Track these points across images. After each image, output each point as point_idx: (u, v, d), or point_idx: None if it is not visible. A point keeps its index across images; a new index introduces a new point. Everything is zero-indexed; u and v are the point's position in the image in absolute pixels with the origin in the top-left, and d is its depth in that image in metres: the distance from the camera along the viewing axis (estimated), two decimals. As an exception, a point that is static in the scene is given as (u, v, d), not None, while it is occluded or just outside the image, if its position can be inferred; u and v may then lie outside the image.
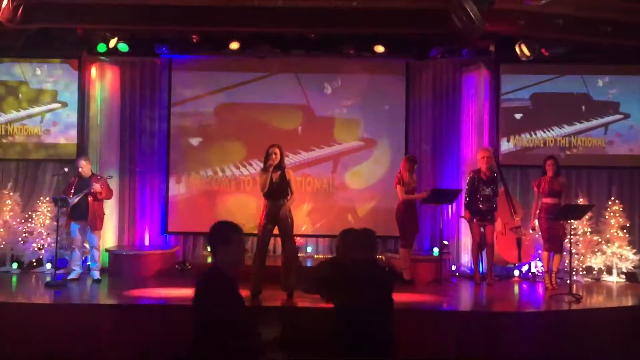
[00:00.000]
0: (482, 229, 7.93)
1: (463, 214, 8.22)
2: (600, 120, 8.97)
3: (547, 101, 8.99)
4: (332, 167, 9.28)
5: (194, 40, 8.65)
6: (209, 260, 8.75)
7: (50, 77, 9.00)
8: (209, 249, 8.95)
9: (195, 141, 9.34)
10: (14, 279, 8.03)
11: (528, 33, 7.95)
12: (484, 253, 7.98)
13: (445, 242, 8.82)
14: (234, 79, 9.33)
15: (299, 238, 8.44)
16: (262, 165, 6.89)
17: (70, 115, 9.01)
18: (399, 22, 7.97)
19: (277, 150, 6.72)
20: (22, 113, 9.02)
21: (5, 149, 9.01)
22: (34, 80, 9.01)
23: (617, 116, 8.96)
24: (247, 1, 7.62)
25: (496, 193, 7.97)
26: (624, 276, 8.41)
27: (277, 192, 6.73)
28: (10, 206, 8.68)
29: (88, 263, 7.99)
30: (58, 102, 9.02)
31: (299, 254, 7.67)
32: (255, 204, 8.69)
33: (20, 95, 9.01)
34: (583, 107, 8.97)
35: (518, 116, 8.98)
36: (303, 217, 9.04)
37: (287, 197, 6.80)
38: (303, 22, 7.99)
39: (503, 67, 8.92)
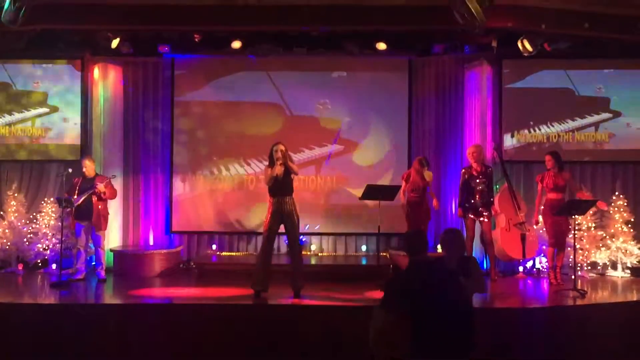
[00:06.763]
0: (479, 225, 7.95)
1: (458, 212, 8.25)
2: (599, 117, 8.93)
3: (546, 97, 8.95)
4: (338, 164, 9.30)
5: (196, 40, 8.65)
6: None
7: (50, 78, 9.01)
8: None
9: (198, 140, 9.35)
10: (20, 279, 8.06)
11: (530, 28, 7.93)
12: (485, 250, 8.00)
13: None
14: (237, 78, 9.33)
15: (302, 237, 8.44)
16: (265, 162, 6.90)
17: (73, 116, 9.02)
18: (401, 19, 7.95)
19: (282, 147, 6.75)
20: (25, 114, 9.03)
21: (8, 151, 9.03)
22: (32, 81, 9.01)
23: (606, 115, 8.91)
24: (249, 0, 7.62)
25: (490, 188, 7.97)
26: (628, 271, 8.39)
27: (282, 188, 6.76)
28: (15, 207, 8.72)
29: (93, 263, 8.01)
30: (61, 103, 9.02)
31: (302, 252, 7.68)
32: (259, 202, 8.69)
33: (18, 96, 9.02)
34: (582, 103, 8.94)
35: (520, 112, 8.97)
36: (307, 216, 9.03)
37: (292, 194, 6.84)
38: (304, 19, 7.97)
39: (505, 62, 8.91)
